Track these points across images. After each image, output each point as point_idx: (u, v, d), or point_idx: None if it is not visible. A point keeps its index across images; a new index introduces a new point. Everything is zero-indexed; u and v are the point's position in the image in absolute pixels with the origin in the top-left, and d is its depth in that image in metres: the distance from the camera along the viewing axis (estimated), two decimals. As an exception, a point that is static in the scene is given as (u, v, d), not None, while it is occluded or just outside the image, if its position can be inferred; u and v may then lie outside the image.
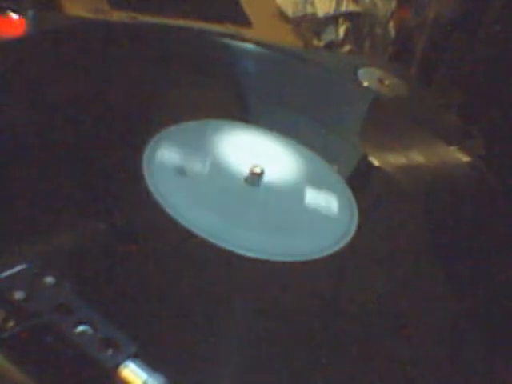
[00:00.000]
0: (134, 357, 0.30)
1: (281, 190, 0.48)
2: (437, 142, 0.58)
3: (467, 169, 0.57)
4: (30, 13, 0.52)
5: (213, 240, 0.41)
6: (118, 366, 0.29)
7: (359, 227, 0.46)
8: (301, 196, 0.48)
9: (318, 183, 0.50)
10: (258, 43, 0.61)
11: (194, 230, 0.41)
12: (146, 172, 0.44)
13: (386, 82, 0.64)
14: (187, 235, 0.41)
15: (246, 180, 0.47)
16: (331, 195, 0.49)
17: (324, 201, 0.48)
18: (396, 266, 0.46)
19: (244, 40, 0.63)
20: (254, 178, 0.47)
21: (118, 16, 0.66)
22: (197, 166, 0.47)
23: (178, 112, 0.51)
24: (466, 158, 0.57)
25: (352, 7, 0.78)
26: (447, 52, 0.72)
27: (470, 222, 0.51)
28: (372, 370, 0.37)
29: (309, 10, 0.78)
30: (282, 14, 0.79)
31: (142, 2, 0.69)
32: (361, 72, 0.64)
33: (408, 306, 0.43)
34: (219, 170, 0.47)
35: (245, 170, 0.47)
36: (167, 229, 0.41)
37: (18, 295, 0.30)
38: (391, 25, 0.79)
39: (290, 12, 0.78)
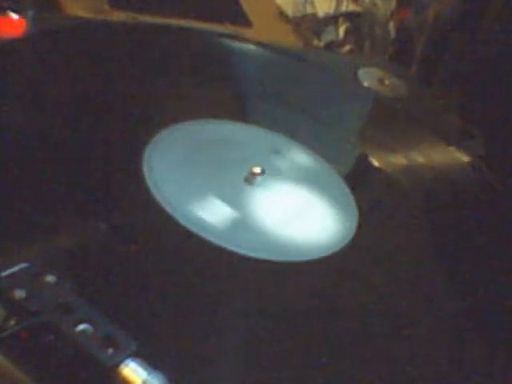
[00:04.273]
0: (135, 356, 0.30)
1: (281, 190, 0.48)
2: (437, 142, 0.58)
3: (467, 169, 0.57)
4: (30, 13, 0.52)
5: (213, 240, 0.41)
6: (118, 364, 0.29)
7: (359, 227, 0.46)
8: (301, 196, 0.48)
9: (318, 183, 0.50)
10: (258, 43, 0.61)
11: (194, 229, 0.41)
12: (146, 172, 0.44)
13: (386, 82, 0.64)
14: (187, 235, 0.41)
15: (246, 180, 0.47)
16: (331, 195, 0.49)
17: (324, 201, 0.48)
18: (396, 266, 0.46)
19: (244, 40, 0.63)
20: (254, 178, 0.47)
21: (118, 16, 0.66)
22: (197, 166, 0.47)
23: (178, 112, 0.51)
24: (465, 158, 0.57)
25: (352, 7, 0.78)
26: (447, 52, 0.72)
27: (470, 222, 0.51)
28: (372, 370, 0.37)
29: (309, 10, 0.78)
30: (281, 14, 0.79)
31: (142, 2, 0.69)
32: (361, 72, 0.64)
33: (408, 306, 0.43)
34: (219, 170, 0.47)
35: (245, 170, 0.47)
36: (167, 229, 0.41)
37: (19, 294, 0.30)
38: (391, 25, 0.79)
39: (289, 12, 0.78)
